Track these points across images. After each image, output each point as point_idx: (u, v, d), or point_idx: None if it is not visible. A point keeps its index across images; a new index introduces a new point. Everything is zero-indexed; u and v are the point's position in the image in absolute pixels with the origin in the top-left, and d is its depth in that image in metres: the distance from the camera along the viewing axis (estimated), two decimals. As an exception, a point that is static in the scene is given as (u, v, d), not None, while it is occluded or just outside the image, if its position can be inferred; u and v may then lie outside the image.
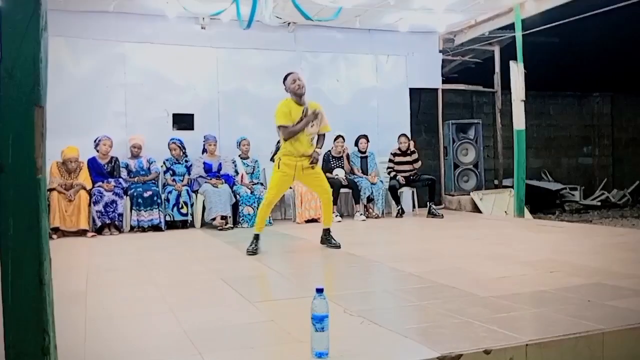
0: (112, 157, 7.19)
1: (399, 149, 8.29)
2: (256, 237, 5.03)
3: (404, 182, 8.13)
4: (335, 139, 8.13)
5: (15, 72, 1.84)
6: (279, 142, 5.02)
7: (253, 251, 4.94)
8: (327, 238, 5.25)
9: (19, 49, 1.84)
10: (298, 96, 4.94)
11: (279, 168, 4.93)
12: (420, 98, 9.75)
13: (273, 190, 5.01)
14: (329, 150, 8.19)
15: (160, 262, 4.99)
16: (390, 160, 8.33)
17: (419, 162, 8.36)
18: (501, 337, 2.42)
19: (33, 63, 1.86)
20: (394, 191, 8.09)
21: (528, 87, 7.84)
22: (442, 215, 7.98)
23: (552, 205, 11.62)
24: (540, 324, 2.71)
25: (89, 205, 6.72)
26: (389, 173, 8.31)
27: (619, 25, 11.03)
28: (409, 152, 8.29)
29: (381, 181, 8.26)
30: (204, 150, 7.58)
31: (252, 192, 7.37)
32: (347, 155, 8.33)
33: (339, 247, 5.14)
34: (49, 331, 1.87)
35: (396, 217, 8.04)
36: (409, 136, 8.48)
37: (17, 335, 1.83)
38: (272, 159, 5.06)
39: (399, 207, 8.10)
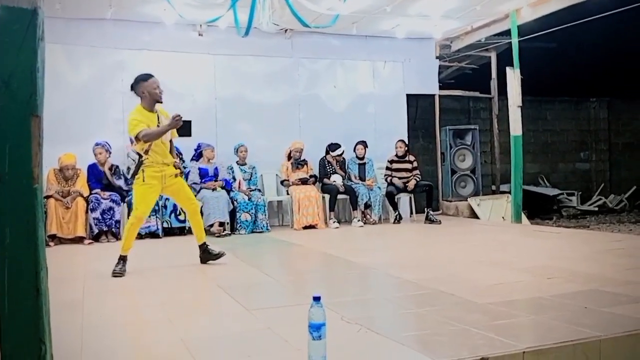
0: (112, 165, 7.18)
1: (396, 154, 8.27)
2: (123, 259, 4.56)
3: (402, 187, 8.10)
4: (334, 150, 8.15)
5: (12, 81, 1.84)
6: (140, 157, 4.57)
7: (120, 272, 4.46)
8: (206, 253, 4.84)
9: (16, 59, 1.85)
10: (153, 103, 4.61)
11: (144, 181, 4.52)
12: (417, 104, 9.77)
13: (142, 207, 4.55)
14: (324, 156, 8.19)
15: (158, 270, 4.97)
16: (387, 168, 8.31)
17: (417, 171, 8.29)
18: (499, 344, 2.42)
19: (30, 73, 1.86)
20: (391, 197, 8.07)
21: (525, 93, 7.86)
22: (440, 221, 7.96)
23: (550, 210, 11.63)
24: (537, 331, 2.71)
25: (86, 212, 6.71)
26: (385, 179, 8.29)
27: (615, 31, 11.10)
28: (406, 158, 8.27)
29: (379, 187, 8.26)
30: (199, 157, 7.57)
31: (249, 199, 7.37)
32: (343, 162, 8.31)
33: (222, 255, 4.86)
34: (45, 341, 1.87)
35: (394, 223, 8.01)
36: (406, 142, 8.48)
37: (14, 345, 1.83)
38: (132, 177, 4.63)
39: (397, 212, 8.08)
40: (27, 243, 1.85)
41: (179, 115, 4.41)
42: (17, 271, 1.83)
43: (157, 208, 6.97)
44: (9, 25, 1.85)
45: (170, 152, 4.78)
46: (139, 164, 4.52)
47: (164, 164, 4.62)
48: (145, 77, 4.55)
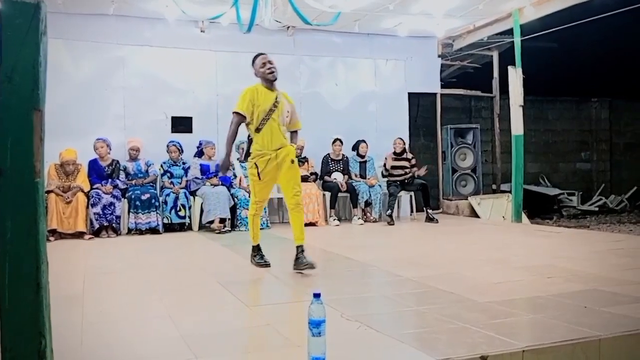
0: (113, 160, 7.19)
1: (394, 151, 8.22)
2: (257, 248, 4.52)
3: (400, 187, 8.05)
4: (333, 142, 8.13)
5: (14, 76, 1.84)
6: (249, 136, 4.34)
7: (264, 262, 4.44)
8: (300, 256, 4.21)
9: (18, 53, 1.85)
10: (269, 82, 4.24)
11: (252, 167, 4.24)
12: (418, 102, 9.76)
13: (255, 196, 4.36)
14: (328, 154, 8.19)
15: (158, 265, 4.98)
16: (384, 166, 8.25)
17: (416, 168, 8.22)
18: (498, 343, 2.43)
19: (32, 67, 1.86)
20: (393, 197, 7.96)
21: (526, 92, 7.85)
22: (437, 220, 7.88)
23: (550, 210, 11.63)
24: (537, 330, 2.71)
25: (87, 207, 6.72)
26: (383, 176, 8.28)
27: (617, 31, 11.08)
28: (404, 155, 8.23)
29: (379, 185, 8.26)
30: (200, 154, 7.58)
31: (250, 195, 7.37)
32: (347, 160, 8.31)
33: (310, 266, 4.17)
34: (45, 335, 1.87)
35: (388, 224, 7.68)
36: (405, 140, 8.43)
37: (14, 339, 1.83)
38: (245, 159, 4.38)
39: (390, 212, 7.76)
40: (28, 237, 1.86)
41: (227, 167, 4.43)
42: (18, 265, 1.83)
43: (157, 204, 6.99)
44: (12, 19, 1.85)
45: (291, 140, 4.43)
46: (249, 143, 4.31)
47: (274, 150, 4.19)
48: (254, 58, 4.33)
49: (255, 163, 4.20)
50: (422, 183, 8.12)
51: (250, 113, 4.18)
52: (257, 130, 4.19)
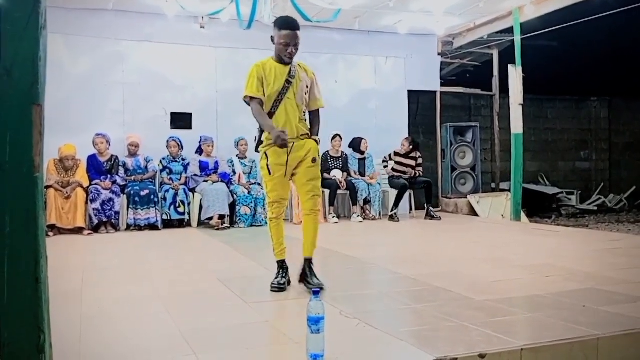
0: (112, 156, 7.18)
1: (401, 150, 8.28)
2: (280, 265, 3.63)
3: (408, 184, 8.07)
4: (332, 138, 8.12)
5: (14, 70, 1.83)
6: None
7: (277, 286, 3.53)
8: (308, 273, 3.52)
9: (18, 47, 1.84)
10: (280, 58, 3.58)
11: (263, 159, 3.54)
12: (418, 100, 9.76)
13: (270, 194, 3.59)
14: (327, 151, 8.18)
15: (157, 262, 4.98)
16: (390, 157, 8.29)
17: (421, 168, 8.31)
18: (496, 341, 2.43)
19: (32, 61, 1.85)
20: (402, 191, 7.96)
21: (526, 91, 7.86)
22: (440, 217, 7.99)
23: (549, 209, 11.65)
24: (535, 328, 2.72)
25: (86, 203, 6.71)
26: (383, 164, 8.31)
27: (618, 30, 11.08)
28: (411, 155, 8.27)
29: (379, 183, 8.26)
30: (200, 151, 7.58)
31: (249, 192, 7.37)
32: (346, 158, 8.30)
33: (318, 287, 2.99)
34: (44, 329, 1.87)
35: (389, 219, 7.86)
36: (411, 140, 8.43)
37: (12, 334, 1.83)
38: (256, 149, 3.61)
39: (396, 210, 7.88)
40: (28, 232, 1.85)
41: (284, 138, 3.26)
42: (17, 260, 1.83)
43: (156, 200, 6.98)
44: (11, 13, 1.84)
45: (312, 126, 3.64)
46: (261, 131, 3.56)
47: (291, 138, 3.42)
48: (279, 24, 3.54)
49: (265, 152, 3.50)
50: (427, 180, 8.18)
51: (262, 93, 3.51)
52: (270, 114, 3.48)
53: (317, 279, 3.50)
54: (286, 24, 3.52)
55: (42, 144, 1.89)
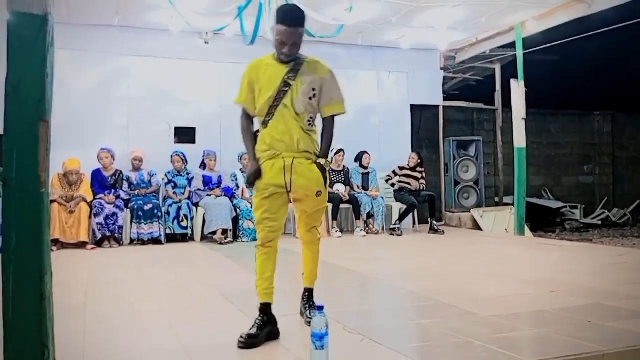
0: (116, 170, 7.20)
1: (408, 164, 8.31)
2: (261, 310, 2.84)
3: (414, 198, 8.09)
4: (336, 153, 8.12)
5: (21, 87, 1.85)
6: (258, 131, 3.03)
7: (243, 340, 2.67)
8: (307, 306, 3.07)
9: (25, 65, 1.86)
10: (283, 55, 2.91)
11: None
12: (421, 115, 9.78)
13: (255, 212, 2.99)
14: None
15: (160, 276, 4.97)
16: (394, 172, 8.31)
17: (424, 181, 8.34)
18: (501, 357, 2.41)
19: (39, 78, 1.88)
20: (410, 210, 7.98)
21: (529, 105, 7.88)
22: (443, 231, 7.98)
23: (553, 223, 11.60)
24: (540, 344, 2.70)
25: (90, 217, 6.72)
26: (387, 181, 8.32)
27: (620, 45, 11.13)
28: (417, 169, 8.30)
29: (382, 197, 8.26)
30: (203, 165, 7.59)
31: (252, 206, 7.36)
32: (348, 171, 8.31)
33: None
34: (49, 345, 1.87)
35: (390, 233, 7.87)
36: (420, 155, 8.46)
37: (17, 349, 1.83)
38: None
39: (398, 225, 7.88)
40: (33, 247, 1.86)
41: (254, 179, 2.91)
42: (22, 275, 1.83)
43: (159, 214, 6.98)
44: (20, 31, 1.86)
45: (322, 139, 3.07)
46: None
47: (290, 152, 2.88)
48: (278, 17, 2.92)
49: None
50: (430, 194, 8.19)
51: (251, 101, 2.94)
52: (264, 124, 2.90)
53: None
54: (283, 18, 2.89)
55: (48, 160, 1.91)
